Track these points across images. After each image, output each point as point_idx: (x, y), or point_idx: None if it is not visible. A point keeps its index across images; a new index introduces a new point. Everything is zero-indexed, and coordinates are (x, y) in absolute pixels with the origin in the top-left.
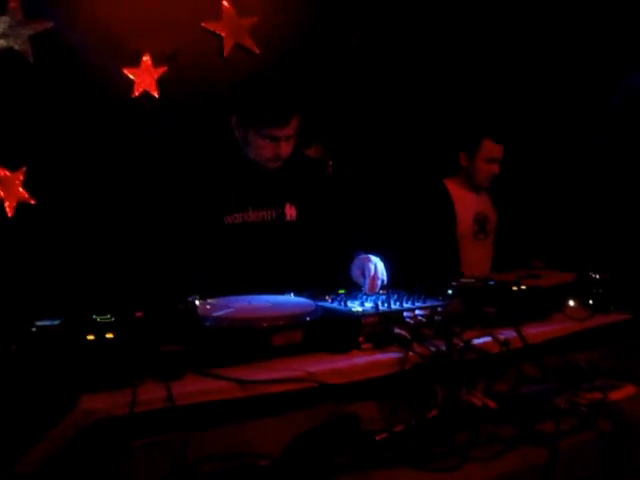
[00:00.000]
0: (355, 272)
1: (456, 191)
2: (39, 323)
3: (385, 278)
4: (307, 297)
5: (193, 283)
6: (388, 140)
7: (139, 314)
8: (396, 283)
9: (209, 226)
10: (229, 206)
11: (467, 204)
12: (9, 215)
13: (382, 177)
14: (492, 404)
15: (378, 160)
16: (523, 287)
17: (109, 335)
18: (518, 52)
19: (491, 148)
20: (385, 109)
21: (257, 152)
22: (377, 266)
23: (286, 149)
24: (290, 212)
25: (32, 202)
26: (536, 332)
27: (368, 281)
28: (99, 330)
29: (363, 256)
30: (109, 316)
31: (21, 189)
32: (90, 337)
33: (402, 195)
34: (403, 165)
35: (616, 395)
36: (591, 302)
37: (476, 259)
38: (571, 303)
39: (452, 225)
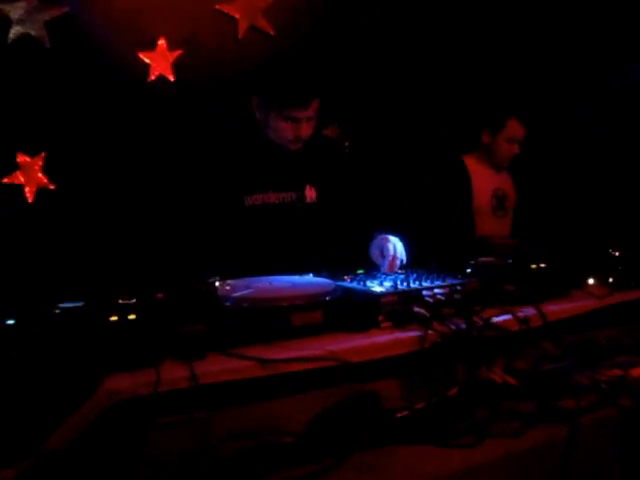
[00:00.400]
0: (374, 252)
1: (475, 167)
2: (62, 305)
3: (404, 258)
4: (326, 277)
5: (214, 264)
6: (405, 118)
7: (160, 296)
8: (415, 262)
9: (230, 207)
10: (250, 187)
11: (486, 180)
12: (29, 201)
13: (399, 155)
14: (512, 381)
15: (395, 138)
16: (542, 265)
17: (131, 316)
18: (543, 35)
19: (515, 128)
20: (403, 87)
21: (278, 134)
22: (396, 246)
23: (307, 131)
24: (310, 194)
25: (52, 187)
26: (556, 309)
27: (387, 261)
28: (121, 311)
29: (382, 236)
30: (131, 298)
31: (40, 174)
32: (113, 318)
33: (419, 171)
34: (421, 142)
35: (637, 372)
36: (611, 280)
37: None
38: (591, 281)
39: (468, 201)
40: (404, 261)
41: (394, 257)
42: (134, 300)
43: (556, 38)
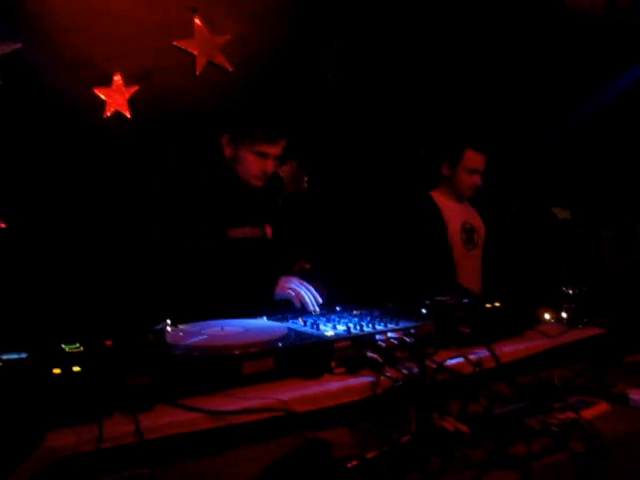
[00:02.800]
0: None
1: (441, 201)
2: (4, 357)
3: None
4: (279, 320)
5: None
6: (366, 154)
7: (107, 344)
8: (374, 302)
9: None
10: (229, 222)
11: (453, 214)
12: None
13: (363, 192)
14: (464, 428)
15: (357, 175)
16: (497, 304)
17: (76, 368)
18: (499, 63)
19: (473, 158)
20: (362, 122)
21: (245, 168)
22: (301, 285)
23: (272, 168)
24: (269, 231)
25: (2, 226)
26: (510, 350)
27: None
28: (65, 363)
29: (286, 279)
30: (77, 345)
31: None
32: (56, 371)
33: (388, 209)
34: (384, 177)
35: (589, 413)
36: (565, 316)
37: (468, 270)
38: (547, 316)
39: (444, 235)
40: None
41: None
42: (81, 348)
43: (511, 69)
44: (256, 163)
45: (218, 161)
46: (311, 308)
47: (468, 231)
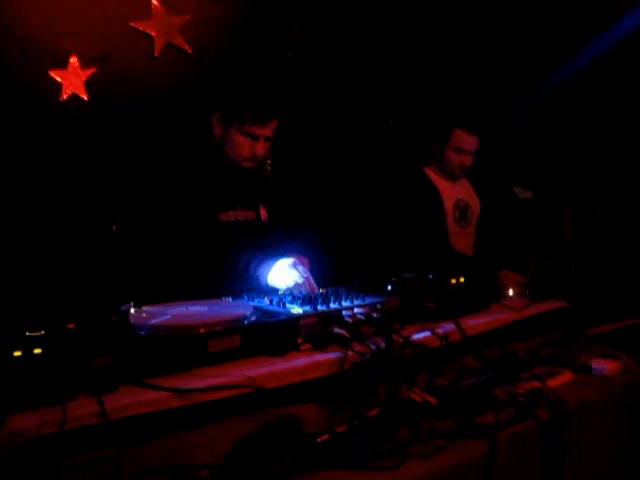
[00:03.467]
0: (274, 276)
1: (435, 177)
2: None
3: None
4: (245, 299)
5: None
6: (360, 129)
7: (69, 326)
8: (338, 280)
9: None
10: (220, 204)
11: (446, 191)
12: None
13: (357, 167)
14: (432, 399)
15: (350, 150)
16: (461, 280)
17: (37, 350)
18: (490, 41)
19: (462, 139)
20: (353, 96)
21: (235, 149)
22: (304, 267)
23: (262, 150)
24: (263, 213)
25: None
26: (475, 324)
27: (305, 282)
28: (27, 345)
29: (285, 261)
30: (39, 329)
31: None
32: (17, 353)
33: (383, 184)
34: (380, 154)
35: (554, 382)
36: (528, 291)
37: (460, 247)
38: (510, 292)
39: (439, 210)
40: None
41: (308, 278)
42: (41, 332)
43: (502, 46)
44: (246, 144)
45: (198, 142)
46: (317, 291)
47: (462, 208)
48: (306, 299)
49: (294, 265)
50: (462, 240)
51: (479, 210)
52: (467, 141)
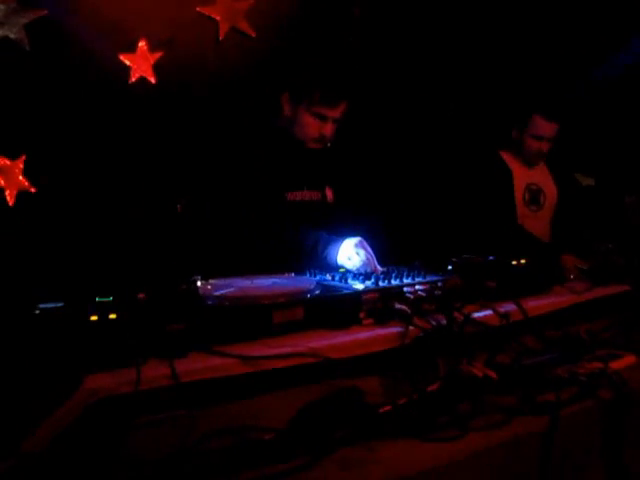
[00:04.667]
0: (343, 256)
1: (509, 160)
2: (42, 305)
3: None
4: (308, 276)
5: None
6: (435, 113)
7: (141, 295)
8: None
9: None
10: (287, 185)
11: (520, 174)
12: (10, 204)
13: (434, 149)
14: (493, 375)
15: (428, 133)
16: (522, 262)
17: (112, 315)
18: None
19: (541, 125)
20: (425, 82)
21: (303, 130)
22: (368, 249)
23: (331, 131)
24: (329, 194)
25: (32, 190)
26: (536, 305)
27: (369, 261)
28: (102, 311)
29: (351, 241)
30: (111, 299)
31: (21, 177)
32: (93, 318)
33: (459, 166)
34: (456, 136)
35: (617, 364)
36: (590, 275)
37: (530, 230)
38: (572, 276)
39: (509, 193)
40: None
41: (372, 257)
42: (115, 299)
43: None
44: (314, 125)
45: (264, 122)
46: (380, 269)
47: (533, 192)
48: (368, 275)
49: (360, 245)
50: (533, 223)
51: (555, 196)
52: (546, 128)
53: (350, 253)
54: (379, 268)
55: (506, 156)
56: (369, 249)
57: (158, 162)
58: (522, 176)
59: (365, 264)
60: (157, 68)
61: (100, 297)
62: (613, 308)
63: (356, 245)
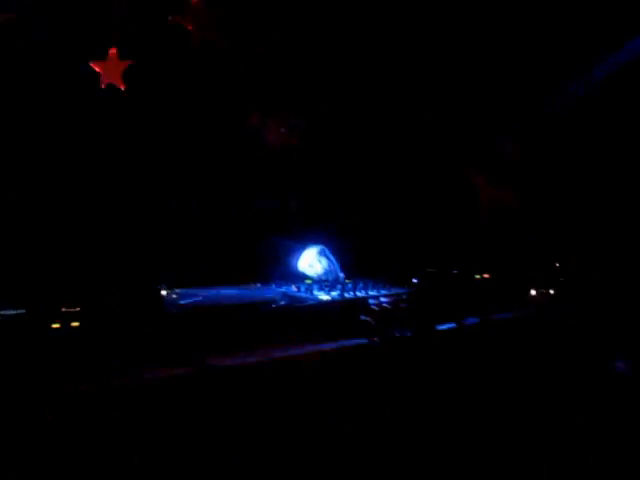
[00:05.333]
0: (302, 264)
1: (474, 177)
2: (3, 312)
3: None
4: (275, 286)
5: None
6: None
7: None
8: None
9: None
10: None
11: (483, 191)
12: None
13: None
14: None
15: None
16: (486, 275)
17: (75, 323)
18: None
19: (503, 146)
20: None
21: (270, 138)
22: (330, 257)
23: (292, 139)
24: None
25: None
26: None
27: (330, 270)
28: (65, 319)
29: (312, 249)
30: (75, 307)
31: None
32: (55, 325)
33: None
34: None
35: None
36: (552, 291)
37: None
38: (533, 292)
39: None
40: (341, 276)
41: (335, 265)
42: (76, 309)
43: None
44: (279, 133)
45: (228, 129)
46: (342, 276)
47: (496, 209)
48: (332, 286)
49: (322, 253)
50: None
51: (520, 211)
52: (509, 148)
53: (312, 261)
54: (341, 275)
55: (472, 173)
56: (332, 257)
57: (125, 167)
58: (487, 192)
59: (327, 272)
60: (126, 75)
61: (64, 306)
62: None
63: (318, 253)
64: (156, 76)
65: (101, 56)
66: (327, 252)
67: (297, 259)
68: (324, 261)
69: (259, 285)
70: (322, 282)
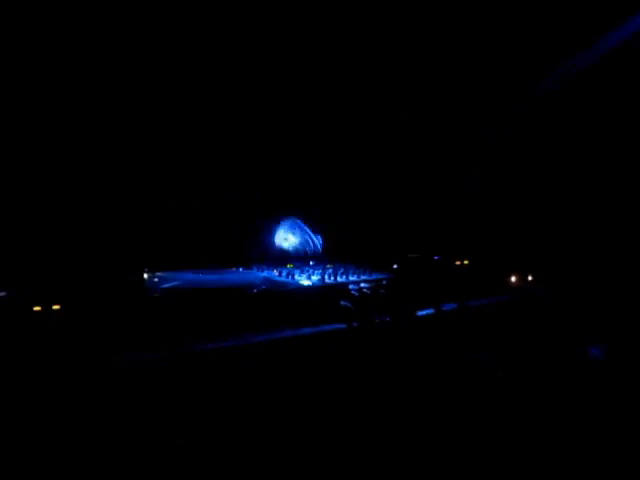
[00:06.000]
0: (279, 236)
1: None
2: None
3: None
4: (256, 271)
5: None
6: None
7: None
8: (347, 258)
9: None
10: None
11: None
12: None
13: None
14: None
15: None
16: (466, 262)
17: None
18: None
19: None
20: None
21: None
22: (303, 227)
23: None
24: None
25: None
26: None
27: (306, 242)
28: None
29: (284, 223)
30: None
31: None
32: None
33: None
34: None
35: None
36: (530, 277)
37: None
38: (512, 279)
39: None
40: (318, 245)
41: (310, 236)
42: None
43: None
44: None
45: None
46: (319, 248)
47: None
48: (314, 272)
49: (294, 225)
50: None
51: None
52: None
53: (285, 234)
54: (318, 243)
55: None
56: (306, 228)
57: (106, 155)
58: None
59: (302, 243)
60: None
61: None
62: None
63: (291, 226)
64: None
65: None
66: (299, 223)
67: (274, 237)
68: (298, 232)
69: (241, 269)
70: (300, 254)
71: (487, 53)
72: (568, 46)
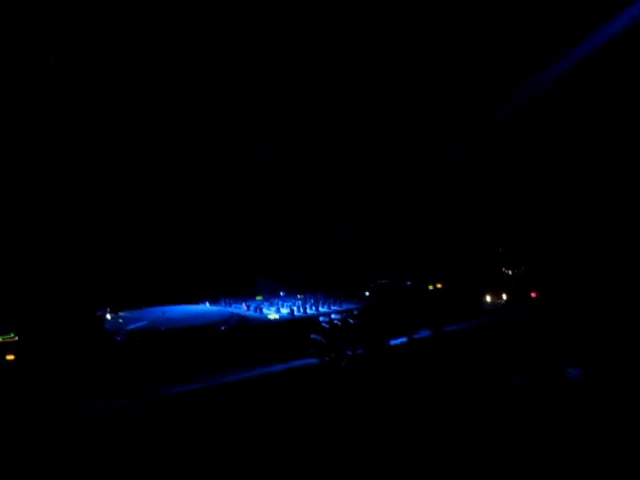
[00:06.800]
0: None
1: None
2: None
3: None
4: (223, 305)
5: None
6: None
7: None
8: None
9: None
10: None
11: None
12: None
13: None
14: None
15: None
16: (439, 286)
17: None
18: None
19: None
20: None
21: None
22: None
23: None
24: None
25: None
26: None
27: None
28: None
29: None
30: (12, 335)
31: None
32: None
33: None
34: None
35: None
36: (505, 297)
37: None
38: (488, 299)
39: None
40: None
41: None
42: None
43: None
44: None
45: None
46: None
47: None
48: (284, 304)
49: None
50: None
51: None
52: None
53: None
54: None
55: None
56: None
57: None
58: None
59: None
60: None
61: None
62: None
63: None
64: None
65: None
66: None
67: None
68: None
69: (207, 304)
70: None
71: (486, 53)
72: (556, 46)
